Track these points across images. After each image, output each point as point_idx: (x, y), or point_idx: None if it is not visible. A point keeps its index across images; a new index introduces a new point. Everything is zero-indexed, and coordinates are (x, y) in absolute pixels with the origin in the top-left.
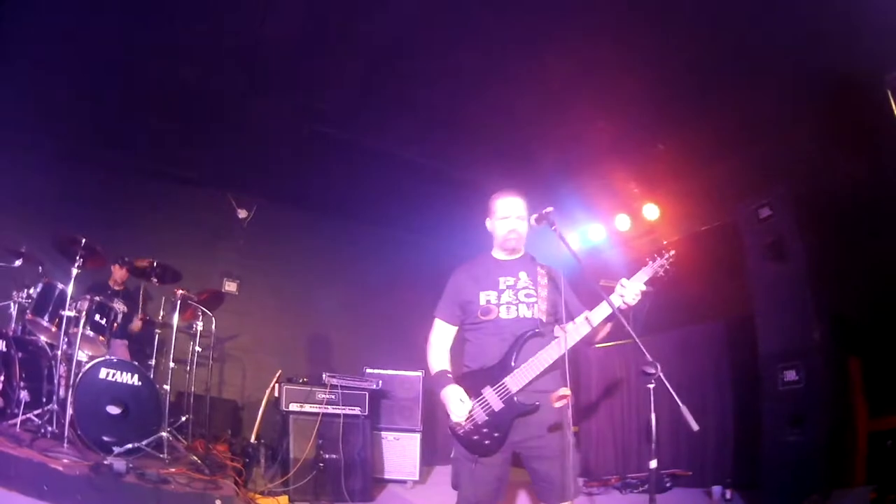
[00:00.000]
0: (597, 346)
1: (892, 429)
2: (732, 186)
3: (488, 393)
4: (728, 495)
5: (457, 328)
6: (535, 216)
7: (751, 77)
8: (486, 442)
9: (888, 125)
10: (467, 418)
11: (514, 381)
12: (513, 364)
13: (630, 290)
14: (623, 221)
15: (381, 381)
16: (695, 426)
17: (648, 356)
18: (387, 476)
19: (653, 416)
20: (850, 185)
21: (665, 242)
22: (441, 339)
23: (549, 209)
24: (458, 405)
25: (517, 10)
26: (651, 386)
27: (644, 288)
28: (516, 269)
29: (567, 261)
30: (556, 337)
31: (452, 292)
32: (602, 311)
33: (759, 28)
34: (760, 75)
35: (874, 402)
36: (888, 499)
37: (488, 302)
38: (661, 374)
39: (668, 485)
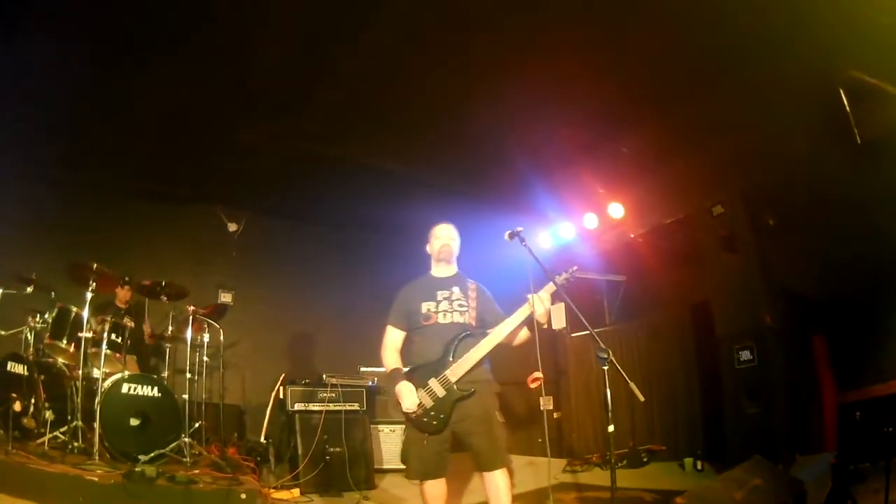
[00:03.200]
0: (573, 335)
1: (859, 401)
2: (693, 182)
3: (433, 383)
4: (699, 466)
5: (405, 333)
6: (507, 233)
7: (706, 80)
8: (434, 423)
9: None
10: (418, 405)
11: (453, 373)
12: (451, 359)
13: (539, 304)
14: (591, 220)
15: (375, 378)
16: (640, 397)
17: (601, 343)
18: (385, 466)
19: (608, 391)
20: (804, 176)
21: (632, 236)
22: (393, 342)
23: (520, 229)
24: (409, 396)
25: (490, 31)
26: (605, 368)
27: (548, 302)
28: (450, 285)
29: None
30: (484, 337)
31: (400, 304)
32: (516, 318)
33: (714, 32)
34: (716, 78)
35: (844, 377)
36: (850, 467)
37: (428, 310)
38: (612, 359)
39: (645, 460)
